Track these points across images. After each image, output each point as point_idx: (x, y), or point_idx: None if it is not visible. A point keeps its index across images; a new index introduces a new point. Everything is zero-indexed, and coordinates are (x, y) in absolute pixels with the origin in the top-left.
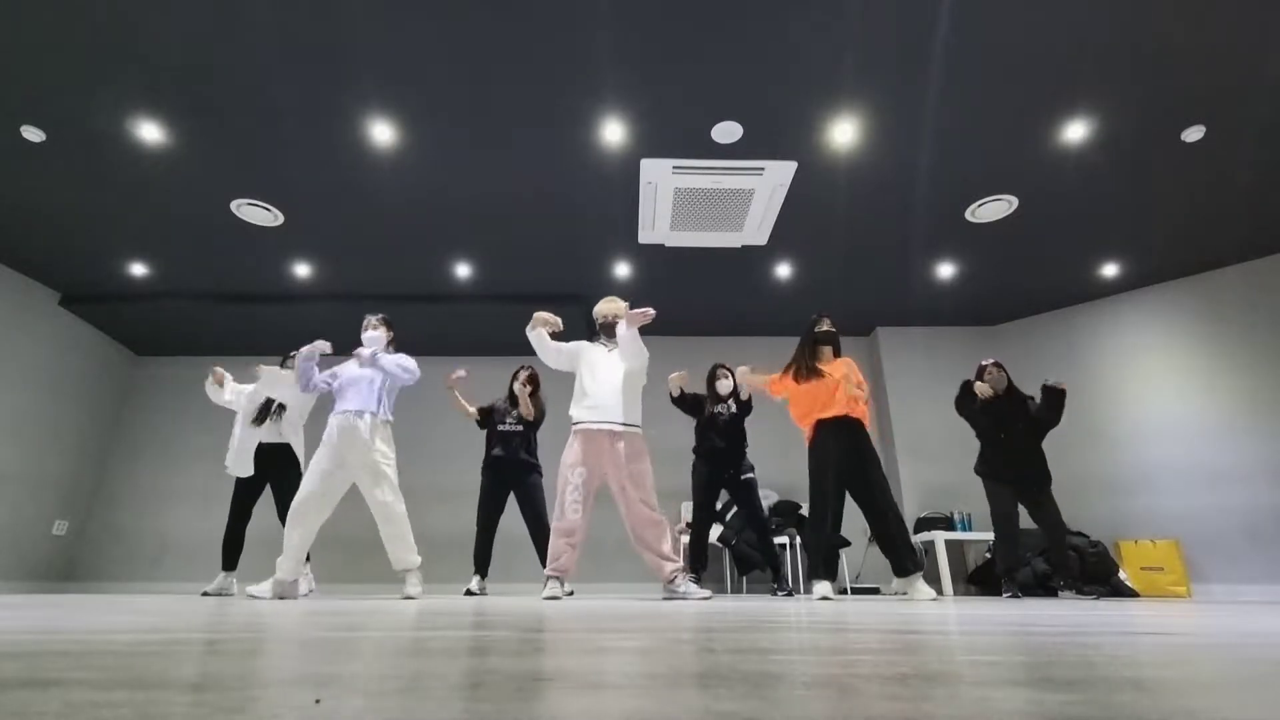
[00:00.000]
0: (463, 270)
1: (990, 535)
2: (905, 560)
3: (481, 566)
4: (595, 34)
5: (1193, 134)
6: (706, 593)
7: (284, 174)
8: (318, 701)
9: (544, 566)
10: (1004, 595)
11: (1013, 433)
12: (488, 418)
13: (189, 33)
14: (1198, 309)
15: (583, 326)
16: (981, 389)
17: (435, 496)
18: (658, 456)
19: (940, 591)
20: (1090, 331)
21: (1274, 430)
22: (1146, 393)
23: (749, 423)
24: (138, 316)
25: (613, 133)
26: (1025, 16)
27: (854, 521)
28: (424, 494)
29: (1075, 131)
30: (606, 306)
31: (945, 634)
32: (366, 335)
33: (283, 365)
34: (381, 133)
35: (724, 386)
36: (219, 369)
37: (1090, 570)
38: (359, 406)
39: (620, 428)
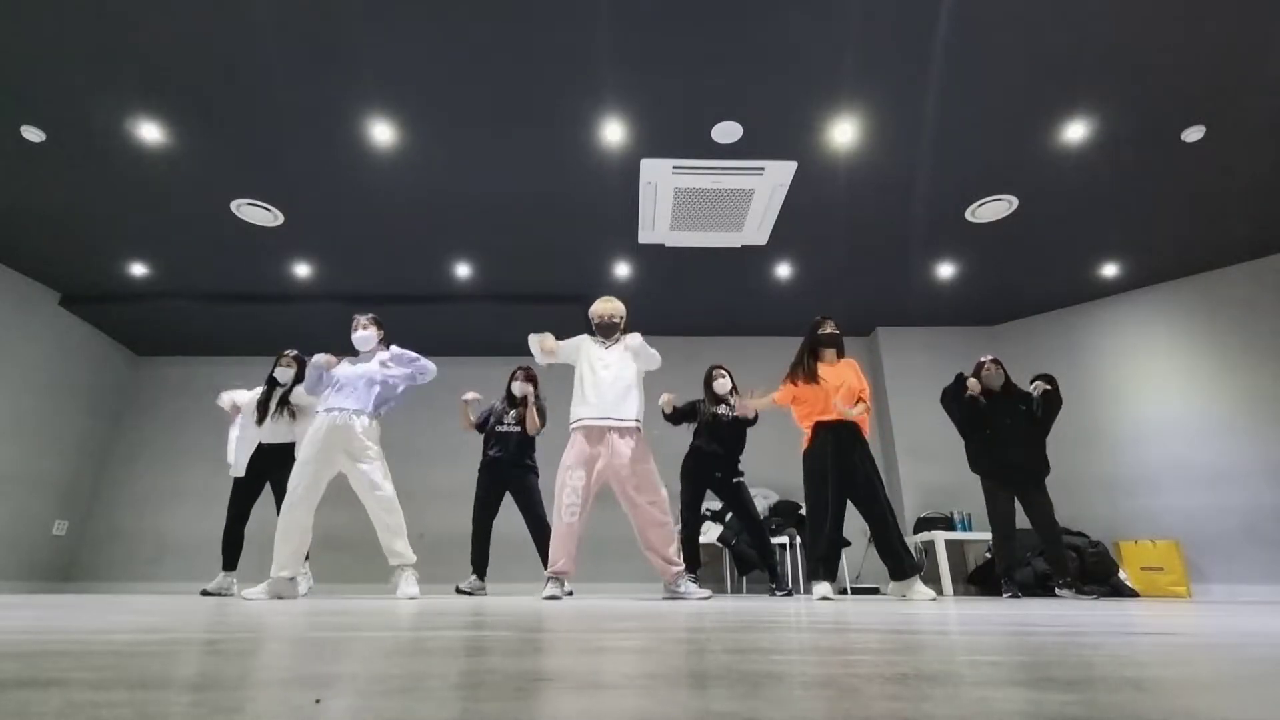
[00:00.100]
0: (463, 270)
1: (990, 535)
2: (901, 564)
3: (478, 567)
4: (595, 34)
5: (1193, 134)
6: (706, 592)
7: (284, 174)
8: (317, 701)
9: (545, 567)
10: (1004, 595)
11: (1001, 429)
12: (485, 423)
13: (189, 33)
14: (1198, 309)
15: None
16: (973, 385)
17: (433, 496)
18: (659, 459)
19: (940, 591)
20: (1090, 331)
21: (1274, 430)
22: (1146, 393)
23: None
24: (138, 316)
25: (613, 133)
26: (1025, 16)
27: (854, 521)
28: (423, 494)
29: (1075, 131)
30: (603, 306)
31: (945, 634)
32: (357, 336)
33: (276, 365)
34: (381, 133)
35: (721, 385)
36: (229, 401)
37: (1090, 570)
38: (356, 406)
39: (621, 423)
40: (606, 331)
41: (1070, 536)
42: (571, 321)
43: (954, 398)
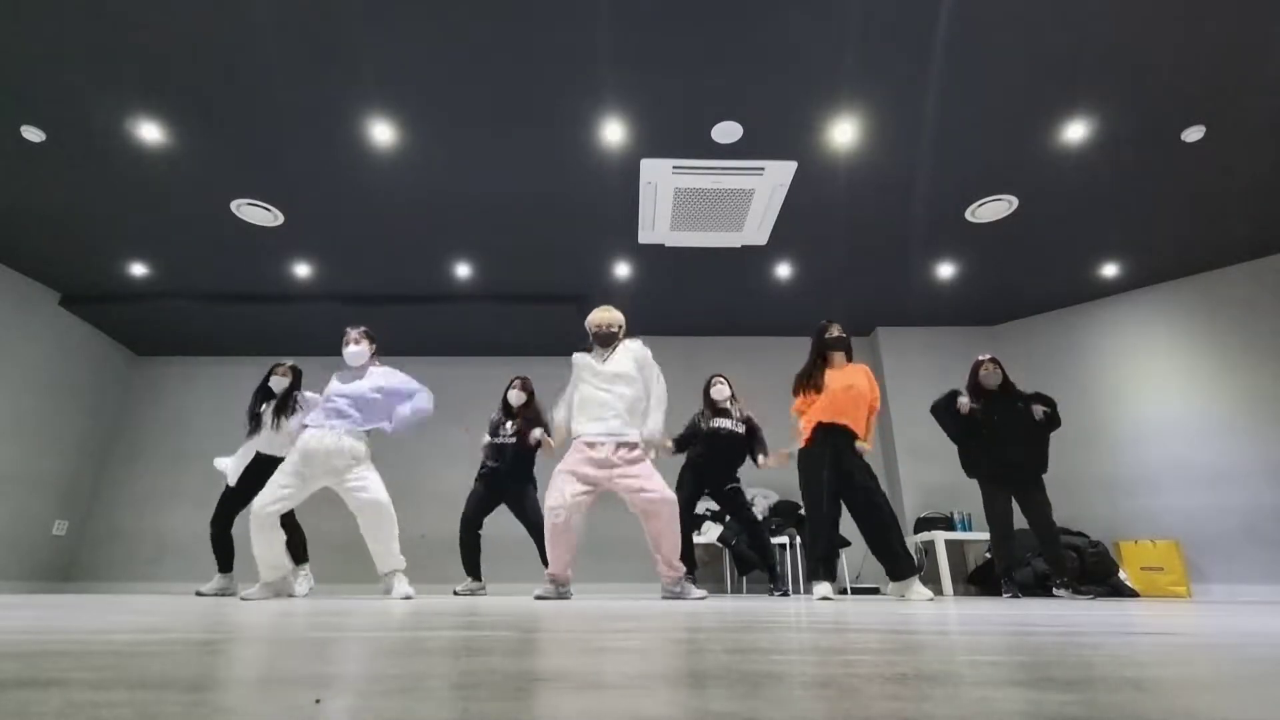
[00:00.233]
0: (463, 270)
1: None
2: (898, 565)
3: (471, 570)
4: (595, 34)
5: (1193, 134)
6: (702, 593)
7: (284, 174)
8: (317, 701)
9: (545, 566)
10: (1004, 595)
11: (999, 428)
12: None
13: (189, 33)
14: (1198, 309)
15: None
16: (963, 405)
17: (432, 497)
18: (661, 465)
19: (940, 591)
20: (1090, 331)
21: (1274, 430)
22: (1146, 393)
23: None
24: (138, 316)
25: (613, 133)
26: (1025, 16)
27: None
28: (422, 496)
29: (1075, 131)
30: (601, 315)
31: (945, 634)
32: (348, 351)
33: (271, 374)
34: (381, 133)
35: (719, 392)
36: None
37: (1090, 570)
38: (344, 426)
39: (621, 438)
40: (604, 341)
41: (1070, 536)
42: (571, 322)
43: (945, 410)
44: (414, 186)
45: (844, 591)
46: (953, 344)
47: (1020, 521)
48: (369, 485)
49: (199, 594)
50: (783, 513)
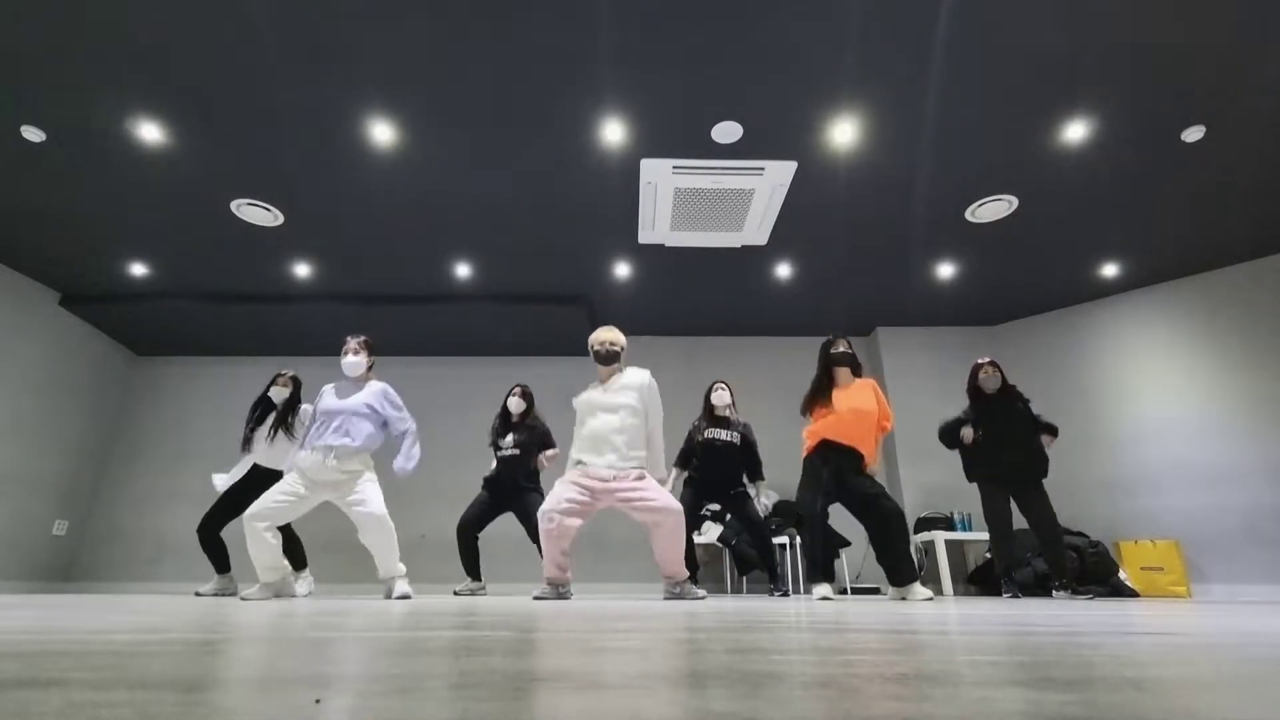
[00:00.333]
0: (463, 270)
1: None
2: (899, 570)
3: (471, 572)
4: (595, 34)
5: (1193, 134)
6: (702, 593)
7: (284, 174)
8: (317, 701)
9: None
10: (1004, 595)
11: (999, 430)
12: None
13: (189, 33)
14: (1198, 309)
15: (585, 327)
16: (967, 435)
17: (434, 497)
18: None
19: (940, 591)
20: (1090, 331)
21: (1274, 430)
22: (1146, 393)
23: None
24: (138, 316)
25: (613, 133)
26: (1025, 16)
27: (856, 521)
28: (424, 496)
29: (1075, 131)
30: (604, 334)
31: (945, 634)
32: (346, 361)
33: (272, 384)
34: (381, 133)
35: (720, 398)
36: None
37: (1090, 570)
38: (341, 443)
39: (619, 468)
40: (606, 360)
41: (1070, 537)
42: (571, 322)
43: (949, 435)
44: (414, 186)
45: (844, 591)
46: (953, 344)
47: (1020, 522)
48: (368, 499)
49: (198, 595)
50: (783, 513)
